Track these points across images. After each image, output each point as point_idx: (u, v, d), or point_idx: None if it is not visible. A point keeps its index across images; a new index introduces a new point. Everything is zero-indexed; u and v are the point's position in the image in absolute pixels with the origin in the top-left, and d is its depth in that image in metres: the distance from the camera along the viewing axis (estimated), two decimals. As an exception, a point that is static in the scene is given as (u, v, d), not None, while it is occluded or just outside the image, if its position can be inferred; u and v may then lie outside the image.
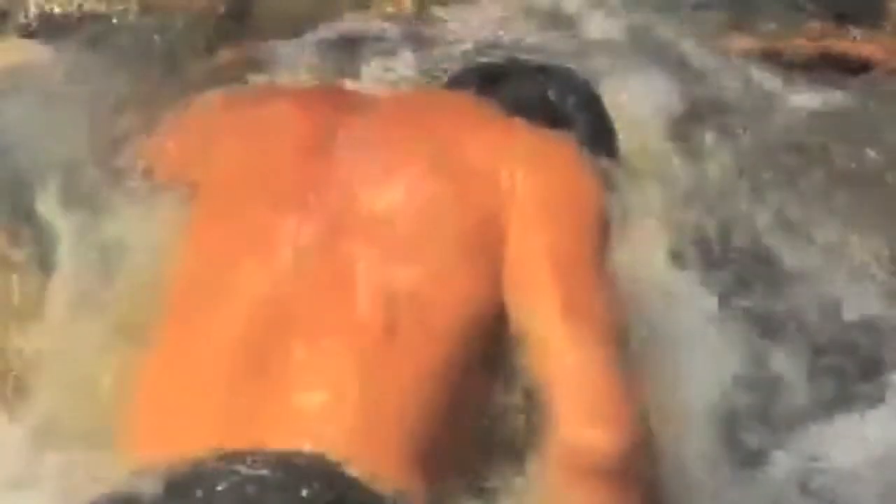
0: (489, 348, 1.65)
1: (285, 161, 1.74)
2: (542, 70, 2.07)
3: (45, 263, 1.88)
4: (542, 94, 1.99)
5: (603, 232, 1.71)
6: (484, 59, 2.25)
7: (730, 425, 1.97)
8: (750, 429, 2.04)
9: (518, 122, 1.79)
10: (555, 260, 1.67)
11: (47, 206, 1.87)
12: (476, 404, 1.65)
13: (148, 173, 1.82)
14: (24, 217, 1.91)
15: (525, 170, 1.71)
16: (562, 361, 1.61)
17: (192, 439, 1.56)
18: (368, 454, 1.53)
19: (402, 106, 1.89)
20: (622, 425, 1.58)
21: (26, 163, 1.95)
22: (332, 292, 1.64)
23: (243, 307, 1.64)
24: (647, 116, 2.41)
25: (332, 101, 1.86)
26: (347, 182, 1.70)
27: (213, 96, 1.91)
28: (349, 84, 2.01)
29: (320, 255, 1.66)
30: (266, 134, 1.77)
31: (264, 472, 1.47)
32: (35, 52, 2.31)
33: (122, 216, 1.82)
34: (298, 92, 1.98)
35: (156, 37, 2.26)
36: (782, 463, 2.02)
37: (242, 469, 1.47)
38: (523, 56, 2.29)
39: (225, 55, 2.33)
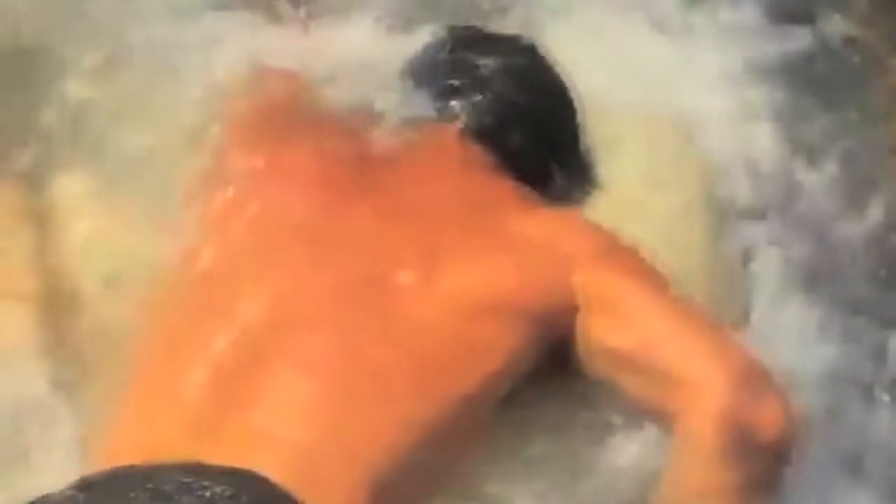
0: (483, 412, 1.68)
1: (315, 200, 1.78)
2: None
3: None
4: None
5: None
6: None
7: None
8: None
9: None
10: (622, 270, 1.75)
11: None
12: (452, 457, 1.66)
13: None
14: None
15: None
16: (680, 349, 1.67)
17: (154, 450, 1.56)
18: (320, 488, 1.53)
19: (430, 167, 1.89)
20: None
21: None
22: (334, 334, 1.65)
23: (232, 332, 1.65)
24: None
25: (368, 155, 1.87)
26: (364, 237, 1.74)
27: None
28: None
29: (329, 301, 1.68)
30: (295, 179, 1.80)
31: (205, 483, 1.46)
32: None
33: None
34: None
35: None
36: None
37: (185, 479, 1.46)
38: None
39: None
